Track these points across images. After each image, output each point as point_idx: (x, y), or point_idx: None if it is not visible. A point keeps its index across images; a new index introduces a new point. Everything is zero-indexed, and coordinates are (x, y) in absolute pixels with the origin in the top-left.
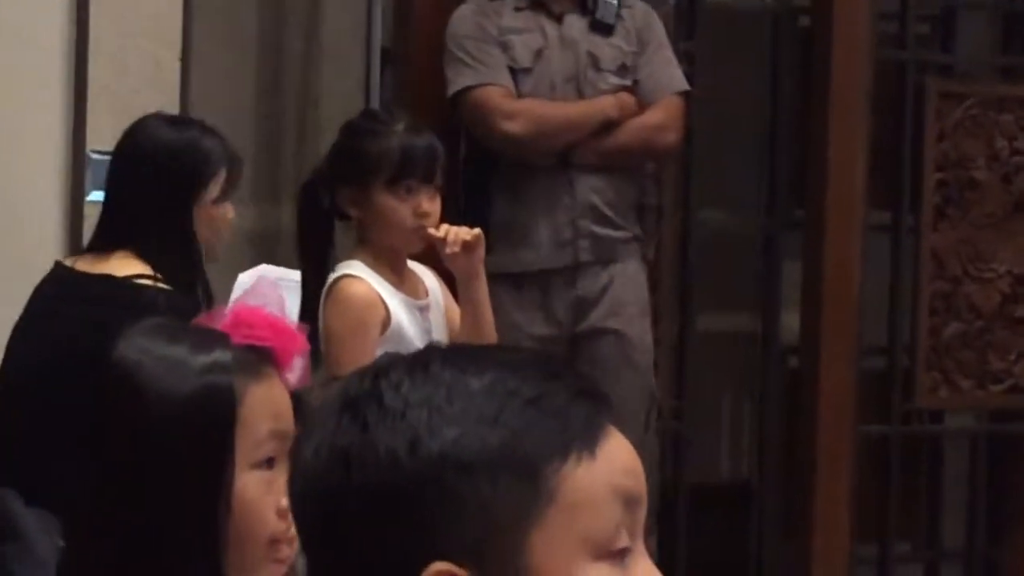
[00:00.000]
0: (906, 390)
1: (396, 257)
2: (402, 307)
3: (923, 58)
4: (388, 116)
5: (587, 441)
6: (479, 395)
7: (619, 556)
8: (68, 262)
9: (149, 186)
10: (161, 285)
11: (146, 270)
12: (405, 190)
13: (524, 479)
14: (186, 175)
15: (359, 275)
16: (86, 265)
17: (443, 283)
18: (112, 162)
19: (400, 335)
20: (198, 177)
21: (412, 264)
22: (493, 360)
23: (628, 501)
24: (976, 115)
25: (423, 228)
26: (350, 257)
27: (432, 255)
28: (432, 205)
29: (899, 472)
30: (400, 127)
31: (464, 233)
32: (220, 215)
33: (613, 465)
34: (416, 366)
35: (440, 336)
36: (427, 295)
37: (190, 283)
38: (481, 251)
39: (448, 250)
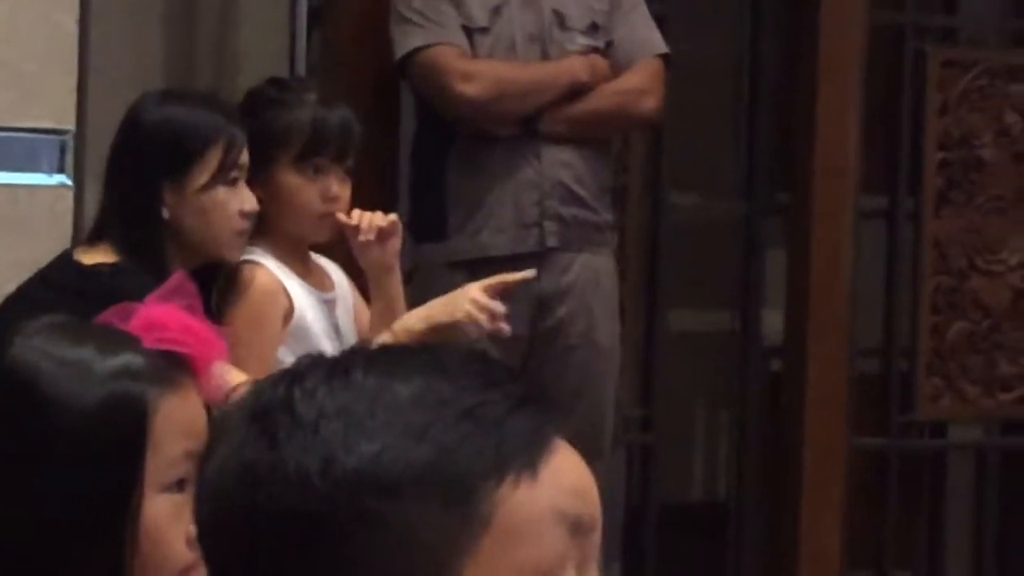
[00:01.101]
0: (905, 399)
1: (300, 245)
2: (308, 299)
3: (923, 22)
4: (298, 84)
5: (528, 459)
6: (406, 405)
7: None
8: (77, 247)
9: (124, 171)
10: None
11: (116, 259)
12: (313, 169)
13: (455, 502)
14: (158, 157)
15: (259, 261)
16: (80, 252)
17: (351, 281)
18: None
19: (305, 329)
20: (173, 159)
21: (316, 256)
22: (425, 364)
23: (576, 527)
24: (983, 86)
25: (331, 214)
26: (249, 244)
27: (338, 248)
28: (343, 189)
29: (897, 491)
30: (311, 97)
31: (379, 219)
32: (212, 203)
33: (559, 486)
34: (336, 371)
35: (348, 334)
36: (333, 288)
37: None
38: (397, 241)
39: (361, 238)
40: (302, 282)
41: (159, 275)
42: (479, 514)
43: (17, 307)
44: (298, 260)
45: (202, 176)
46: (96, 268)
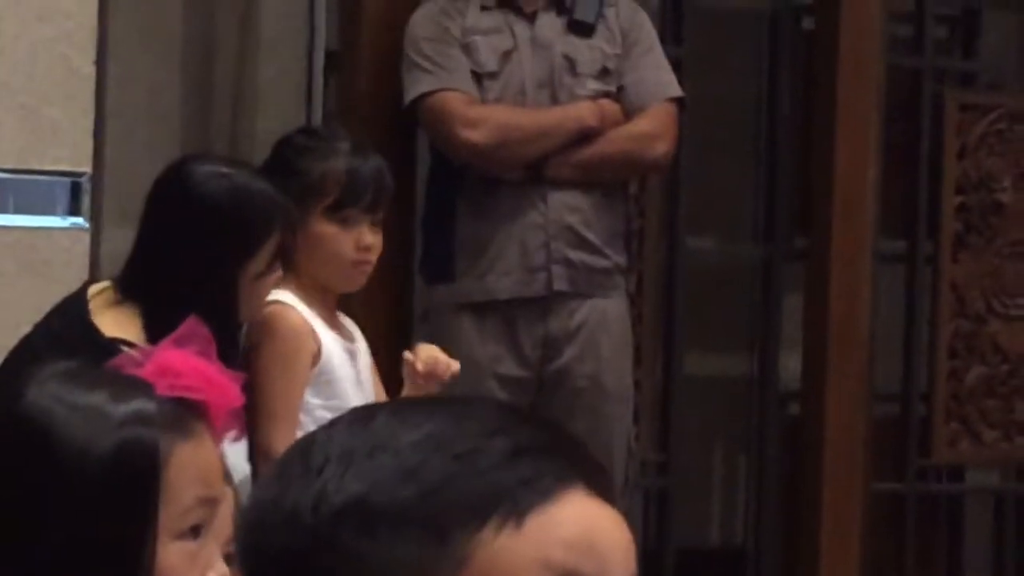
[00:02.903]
0: (923, 443)
1: (329, 293)
2: (334, 344)
3: (942, 65)
4: (330, 133)
5: (515, 507)
6: (406, 448)
7: None
8: (92, 290)
9: (191, 244)
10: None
11: (139, 334)
12: (347, 219)
13: (431, 540)
14: (230, 235)
15: (289, 303)
16: (98, 302)
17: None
18: (153, 203)
19: (331, 373)
20: (244, 243)
21: (339, 314)
22: (444, 411)
23: None
24: (1002, 130)
25: (364, 262)
26: (280, 287)
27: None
28: (375, 237)
29: (915, 536)
30: (344, 146)
31: (441, 370)
32: (262, 292)
33: (550, 538)
34: (363, 417)
35: (367, 384)
36: (355, 341)
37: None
38: (444, 378)
39: (419, 381)
40: (329, 328)
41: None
42: (454, 556)
43: (24, 362)
44: (326, 307)
45: (261, 263)
46: (117, 344)
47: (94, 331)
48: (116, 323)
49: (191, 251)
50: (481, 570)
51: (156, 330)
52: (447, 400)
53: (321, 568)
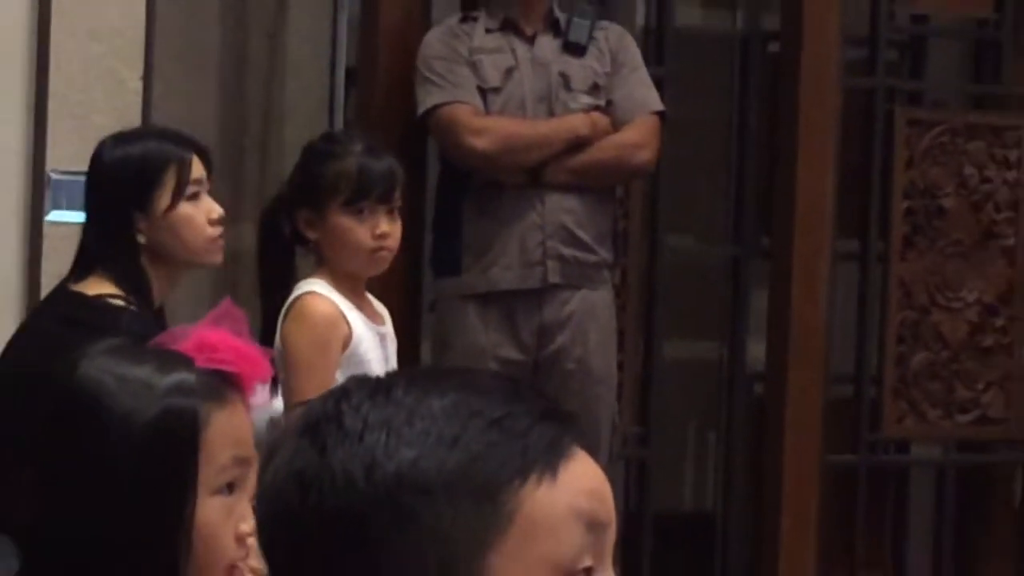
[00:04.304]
0: (873, 420)
1: (356, 281)
2: (364, 329)
3: (892, 85)
4: (346, 138)
5: (549, 463)
6: (440, 416)
7: None
8: (70, 280)
9: (98, 207)
10: (123, 303)
11: (114, 289)
12: (362, 211)
13: (483, 501)
14: (122, 192)
15: (321, 292)
16: (74, 284)
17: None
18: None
19: (360, 356)
20: (136, 191)
21: (370, 296)
22: (457, 381)
23: (592, 524)
24: (945, 143)
25: (382, 249)
26: (312, 277)
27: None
28: (392, 226)
29: (865, 502)
30: (358, 148)
31: None
32: (179, 220)
33: (576, 487)
34: (379, 389)
35: (394, 366)
36: (385, 324)
37: (148, 299)
38: None
39: None
40: (359, 312)
41: (145, 294)
42: (504, 512)
43: (25, 340)
44: (355, 294)
45: (164, 199)
46: (101, 299)
47: (82, 296)
48: (94, 287)
49: (102, 210)
50: (527, 521)
51: (124, 277)
52: (450, 371)
53: (379, 527)
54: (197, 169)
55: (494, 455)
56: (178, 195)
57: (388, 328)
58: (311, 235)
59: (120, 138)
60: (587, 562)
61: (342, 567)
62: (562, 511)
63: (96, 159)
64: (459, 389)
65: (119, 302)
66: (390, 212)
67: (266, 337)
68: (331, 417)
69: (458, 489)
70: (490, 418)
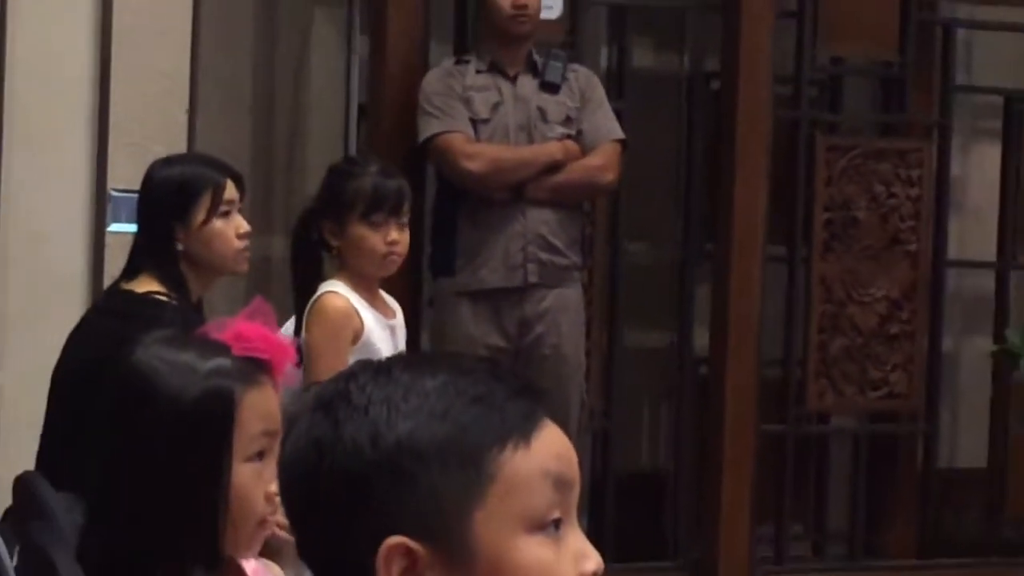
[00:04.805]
0: (798, 396)
1: (370, 280)
2: (375, 322)
3: (814, 116)
4: (363, 161)
5: (523, 433)
6: (432, 393)
7: (552, 527)
8: (122, 279)
9: (146, 219)
10: (167, 299)
11: (159, 287)
12: (376, 222)
13: (468, 465)
14: (166, 207)
15: (339, 291)
16: (126, 283)
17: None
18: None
19: (370, 345)
20: (177, 206)
21: (384, 294)
22: (446, 364)
23: (559, 483)
24: (858, 164)
25: (393, 254)
26: (332, 279)
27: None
28: (401, 235)
29: (792, 465)
30: (373, 169)
31: None
32: (211, 233)
33: (546, 453)
34: (381, 370)
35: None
36: (395, 317)
37: (187, 295)
38: None
39: None
40: (371, 308)
41: (184, 292)
42: (486, 474)
43: (87, 329)
44: (368, 292)
45: (200, 214)
46: (148, 295)
47: (132, 292)
48: (143, 285)
49: (149, 221)
50: (505, 481)
51: (167, 278)
52: (440, 355)
53: (382, 487)
54: (230, 191)
55: (477, 426)
56: (212, 212)
57: (398, 320)
58: (334, 242)
59: (167, 161)
60: (556, 514)
61: (352, 521)
62: (535, 472)
63: (146, 178)
64: (448, 370)
65: (163, 298)
66: (400, 223)
67: (299, 327)
68: (342, 395)
69: (448, 455)
70: (473, 395)
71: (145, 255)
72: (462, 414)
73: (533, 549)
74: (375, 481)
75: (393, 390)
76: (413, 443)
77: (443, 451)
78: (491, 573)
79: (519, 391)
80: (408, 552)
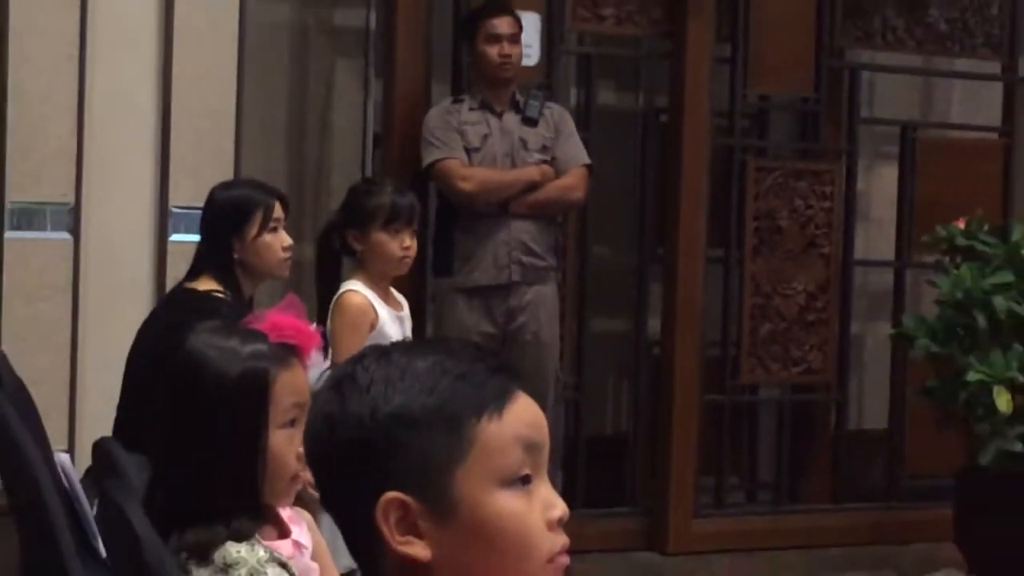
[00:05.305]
0: (734, 371)
1: (384, 280)
2: (387, 314)
3: (745, 143)
4: (381, 181)
5: (498, 404)
6: (423, 373)
7: (522, 482)
8: (186, 280)
9: (207, 232)
10: (222, 296)
11: (218, 287)
12: (394, 231)
13: (451, 433)
14: (225, 222)
15: (358, 290)
16: (189, 283)
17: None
18: None
19: (384, 334)
20: (234, 223)
21: (394, 291)
22: (436, 347)
23: (529, 446)
24: (781, 182)
25: (406, 258)
26: (351, 278)
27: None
28: (412, 241)
29: (729, 428)
30: (389, 188)
31: None
32: (262, 245)
33: (518, 421)
34: (383, 354)
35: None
36: (403, 310)
37: (240, 294)
38: None
39: None
40: (384, 303)
41: (238, 291)
42: (466, 440)
43: (154, 321)
44: (382, 289)
45: (253, 230)
46: (208, 293)
47: (195, 291)
48: (204, 285)
49: (211, 233)
50: (482, 446)
51: (224, 280)
52: (432, 340)
53: (379, 452)
54: (278, 211)
55: (459, 399)
56: (263, 228)
57: (405, 313)
58: (357, 247)
59: (226, 184)
60: (526, 471)
61: (357, 480)
62: (507, 438)
63: (210, 197)
64: (437, 352)
65: (220, 295)
66: (412, 231)
67: (322, 318)
68: (349, 375)
69: (434, 424)
70: (457, 373)
71: (206, 260)
72: (447, 389)
73: (507, 500)
74: (374, 447)
75: (391, 371)
76: (405, 413)
77: (431, 420)
78: (471, 520)
79: (497, 369)
80: (402, 505)
